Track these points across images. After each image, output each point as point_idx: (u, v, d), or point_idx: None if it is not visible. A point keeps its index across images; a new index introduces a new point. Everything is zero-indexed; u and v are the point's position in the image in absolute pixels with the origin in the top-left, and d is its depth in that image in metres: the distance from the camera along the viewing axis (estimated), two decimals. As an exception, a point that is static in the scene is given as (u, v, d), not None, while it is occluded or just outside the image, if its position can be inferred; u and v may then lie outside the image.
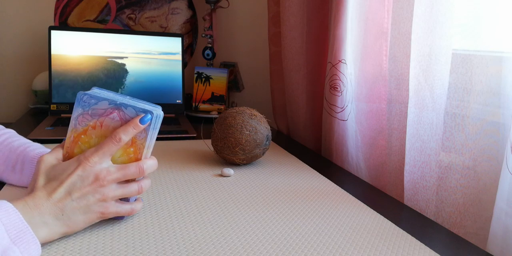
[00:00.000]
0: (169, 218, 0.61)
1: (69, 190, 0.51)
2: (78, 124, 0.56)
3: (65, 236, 0.54)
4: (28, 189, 0.55)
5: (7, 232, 0.45)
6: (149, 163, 0.57)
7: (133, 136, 0.55)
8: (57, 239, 0.53)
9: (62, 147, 0.56)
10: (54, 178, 0.52)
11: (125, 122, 0.55)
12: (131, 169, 0.55)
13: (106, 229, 0.56)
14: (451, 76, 0.70)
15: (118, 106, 0.55)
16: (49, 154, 0.55)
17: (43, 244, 0.50)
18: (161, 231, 0.56)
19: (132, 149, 0.56)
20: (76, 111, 0.55)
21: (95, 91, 0.57)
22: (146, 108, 0.55)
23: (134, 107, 0.55)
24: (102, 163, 0.53)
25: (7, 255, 0.43)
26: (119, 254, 0.50)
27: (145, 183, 0.58)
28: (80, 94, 0.55)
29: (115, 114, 0.55)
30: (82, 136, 0.55)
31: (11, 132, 0.71)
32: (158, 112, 0.56)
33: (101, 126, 0.55)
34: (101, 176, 0.52)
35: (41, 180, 0.53)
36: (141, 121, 0.54)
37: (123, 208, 0.56)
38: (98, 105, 0.55)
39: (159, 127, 0.57)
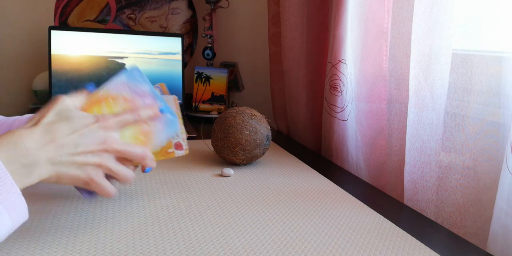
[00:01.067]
0: (169, 218, 0.61)
1: (78, 142, 0.49)
2: (113, 89, 0.57)
3: (65, 236, 0.54)
4: (29, 121, 0.50)
5: None
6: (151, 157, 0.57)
7: (150, 131, 0.57)
8: (57, 239, 0.53)
9: (83, 98, 0.56)
10: (66, 121, 0.50)
11: None
12: (137, 149, 0.55)
13: (106, 229, 0.56)
14: (451, 76, 0.70)
15: (154, 96, 0.59)
16: (69, 97, 0.53)
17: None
18: (161, 231, 0.56)
19: (142, 137, 0.57)
20: (120, 78, 0.58)
21: (142, 72, 0.60)
22: (164, 109, 0.59)
23: (164, 103, 0.59)
24: (113, 131, 0.53)
25: None
26: (119, 254, 0.50)
27: (132, 174, 0.56)
28: (135, 68, 0.59)
29: (148, 101, 0.58)
30: (110, 99, 0.56)
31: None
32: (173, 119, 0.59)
33: (132, 102, 0.57)
34: (109, 141, 0.52)
35: (50, 116, 0.50)
36: (160, 109, 0.57)
37: (107, 185, 0.53)
38: (141, 85, 0.58)
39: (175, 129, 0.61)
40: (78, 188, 0.56)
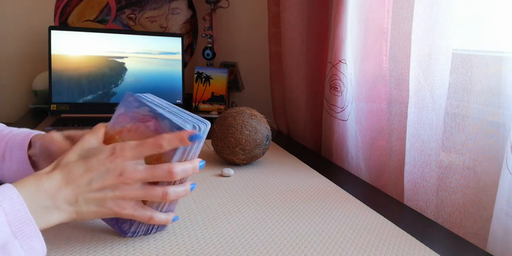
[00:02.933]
0: (169, 218, 0.61)
1: (91, 179, 0.48)
2: (116, 124, 0.54)
3: (65, 236, 0.54)
4: (52, 164, 0.50)
5: (8, 224, 0.42)
6: (184, 166, 0.51)
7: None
8: (57, 238, 0.53)
9: (101, 130, 0.54)
10: (83, 159, 0.49)
11: (156, 133, 0.50)
12: (160, 171, 0.50)
13: (107, 229, 0.56)
14: (451, 76, 0.70)
15: (156, 116, 0.52)
16: (91, 134, 0.53)
17: (48, 238, 0.47)
18: (161, 231, 0.56)
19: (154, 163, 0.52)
20: (119, 110, 0.54)
21: (146, 96, 0.55)
22: (180, 125, 0.51)
23: (170, 121, 0.51)
24: (132, 160, 0.50)
25: (6, 249, 0.41)
26: (119, 254, 0.50)
27: (173, 190, 0.51)
28: (127, 94, 0.54)
29: (151, 123, 0.52)
30: (117, 136, 0.53)
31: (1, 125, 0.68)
32: (204, 128, 0.52)
33: (136, 131, 0.52)
34: (127, 172, 0.49)
35: (70, 157, 0.50)
36: (191, 137, 0.50)
37: (141, 213, 0.51)
38: (139, 110, 0.53)
39: (201, 145, 0.54)
40: (109, 223, 0.55)
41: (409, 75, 0.75)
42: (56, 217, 0.47)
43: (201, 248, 0.52)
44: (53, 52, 1.21)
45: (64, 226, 0.56)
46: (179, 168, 0.50)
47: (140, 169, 0.49)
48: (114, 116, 0.55)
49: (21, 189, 0.45)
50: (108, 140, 0.54)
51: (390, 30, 0.83)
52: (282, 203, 0.68)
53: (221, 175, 0.80)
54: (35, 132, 0.65)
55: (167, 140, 0.49)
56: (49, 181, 0.47)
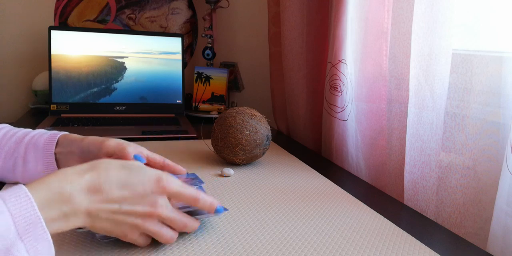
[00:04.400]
0: (169, 218, 0.61)
1: (126, 199, 0.46)
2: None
3: (64, 237, 0.54)
4: (90, 162, 0.47)
5: (14, 225, 0.38)
6: (207, 198, 0.53)
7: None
8: (56, 238, 0.53)
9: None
10: (125, 171, 0.47)
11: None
12: (182, 219, 0.51)
13: (106, 229, 0.56)
14: (451, 76, 0.70)
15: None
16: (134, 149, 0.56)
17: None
18: (161, 231, 0.56)
19: None
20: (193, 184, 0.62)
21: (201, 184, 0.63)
22: (220, 210, 0.55)
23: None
24: (166, 197, 0.49)
25: (11, 253, 0.38)
26: (119, 254, 0.50)
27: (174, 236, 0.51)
28: (192, 174, 0.66)
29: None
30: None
31: (7, 126, 0.68)
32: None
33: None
34: (159, 207, 0.48)
35: (112, 162, 0.48)
36: (217, 209, 0.53)
37: (141, 242, 0.50)
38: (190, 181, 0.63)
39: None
40: None
41: (409, 75, 0.75)
42: (71, 223, 0.43)
43: (201, 248, 0.52)
44: (53, 52, 1.21)
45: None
46: (204, 197, 0.52)
47: (169, 209, 0.49)
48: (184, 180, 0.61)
49: (41, 187, 0.42)
50: None
51: (390, 30, 0.83)
52: (282, 203, 0.68)
53: (221, 175, 0.80)
54: (56, 132, 0.65)
55: (203, 198, 0.52)
56: (78, 183, 0.43)
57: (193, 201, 0.51)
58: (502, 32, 0.64)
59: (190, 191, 0.51)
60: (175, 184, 0.50)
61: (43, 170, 0.63)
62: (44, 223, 0.40)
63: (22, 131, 0.67)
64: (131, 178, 0.47)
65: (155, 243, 0.52)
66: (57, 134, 0.65)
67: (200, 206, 0.52)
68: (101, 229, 0.47)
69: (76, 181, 0.44)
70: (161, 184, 0.48)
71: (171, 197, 0.50)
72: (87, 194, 0.44)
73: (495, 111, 0.64)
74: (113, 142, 0.60)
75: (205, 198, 0.52)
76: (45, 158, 0.63)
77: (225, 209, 0.55)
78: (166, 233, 0.50)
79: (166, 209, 0.49)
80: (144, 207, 0.47)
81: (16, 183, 0.61)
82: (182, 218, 0.51)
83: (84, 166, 0.46)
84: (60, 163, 0.63)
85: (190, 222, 0.52)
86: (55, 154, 0.63)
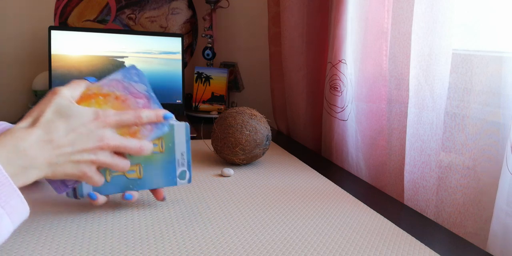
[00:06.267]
0: (169, 218, 0.61)
1: (75, 141, 0.49)
2: (105, 85, 0.56)
3: (65, 237, 0.54)
4: (27, 117, 0.50)
5: None
6: (149, 112, 0.56)
7: (139, 130, 0.56)
8: (56, 238, 0.53)
9: (81, 88, 0.55)
10: (65, 119, 0.50)
11: None
12: (132, 144, 0.54)
13: (106, 229, 0.56)
14: (451, 76, 0.70)
15: (149, 97, 0.58)
16: (67, 89, 0.53)
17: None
18: (161, 231, 0.56)
19: (128, 137, 0.56)
20: (115, 75, 0.57)
21: (140, 71, 0.59)
22: (168, 116, 0.57)
23: (159, 106, 0.58)
24: (110, 128, 0.53)
25: None
26: (119, 254, 0.50)
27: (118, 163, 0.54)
28: (132, 66, 0.58)
29: (141, 101, 0.57)
30: (101, 97, 0.56)
31: (3, 123, 0.68)
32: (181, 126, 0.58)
33: (123, 101, 0.56)
34: (105, 139, 0.51)
35: (49, 114, 0.49)
36: (165, 115, 0.57)
37: (97, 178, 0.53)
38: (136, 84, 0.58)
39: (175, 141, 0.60)
40: (50, 181, 0.55)
41: (409, 75, 0.75)
42: (33, 175, 0.47)
43: (201, 248, 0.52)
44: (53, 52, 1.21)
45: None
46: (147, 145, 0.55)
47: (116, 138, 0.53)
48: (107, 78, 0.57)
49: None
50: (86, 97, 0.55)
51: (390, 30, 0.83)
52: (282, 203, 0.68)
53: (221, 175, 0.80)
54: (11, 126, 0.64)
55: (146, 114, 0.55)
56: (29, 139, 0.47)
57: (136, 119, 0.54)
58: (502, 32, 0.64)
59: (128, 113, 0.54)
60: (111, 113, 0.53)
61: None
62: (11, 180, 0.44)
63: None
64: (72, 122, 0.50)
65: (158, 239, 0.52)
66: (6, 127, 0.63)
67: (146, 121, 0.55)
68: (62, 174, 0.50)
69: (25, 138, 0.47)
70: (100, 119, 0.52)
71: (114, 127, 0.53)
72: (40, 146, 0.47)
73: (495, 111, 0.64)
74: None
75: (146, 112, 0.55)
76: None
77: (171, 114, 0.57)
78: (119, 162, 0.54)
79: (113, 139, 0.52)
80: (94, 143, 0.51)
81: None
82: (133, 140, 0.54)
83: (26, 123, 0.49)
84: None
85: (143, 143, 0.55)
86: None
